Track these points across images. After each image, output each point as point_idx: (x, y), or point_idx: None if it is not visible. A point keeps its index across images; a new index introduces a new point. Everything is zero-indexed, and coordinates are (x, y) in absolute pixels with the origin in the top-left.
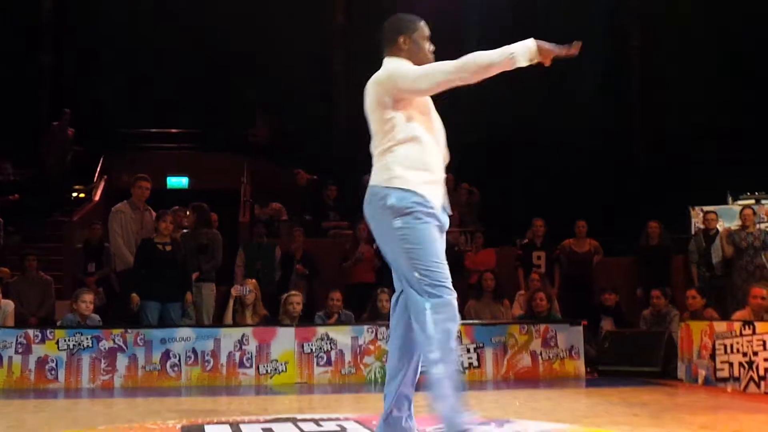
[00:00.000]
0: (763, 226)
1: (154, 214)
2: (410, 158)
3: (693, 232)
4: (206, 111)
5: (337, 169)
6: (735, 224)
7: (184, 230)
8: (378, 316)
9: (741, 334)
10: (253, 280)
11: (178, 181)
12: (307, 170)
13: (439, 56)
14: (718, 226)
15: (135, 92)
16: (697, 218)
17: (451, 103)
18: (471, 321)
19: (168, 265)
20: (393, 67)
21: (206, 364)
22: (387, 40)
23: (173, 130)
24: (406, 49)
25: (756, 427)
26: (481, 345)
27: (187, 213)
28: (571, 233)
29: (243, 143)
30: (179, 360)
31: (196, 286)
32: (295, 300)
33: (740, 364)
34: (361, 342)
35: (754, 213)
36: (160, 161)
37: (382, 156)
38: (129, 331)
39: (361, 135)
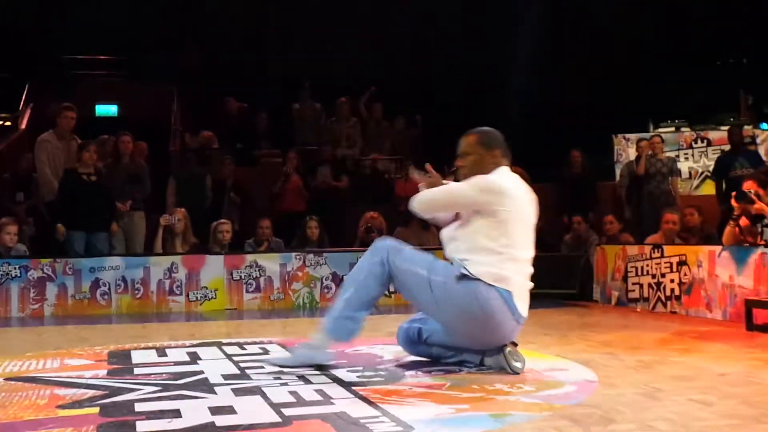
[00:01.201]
0: (682, 153)
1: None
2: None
3: (615, 159)
4: (136, 37)
5: (269, 98)
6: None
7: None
8: (306, 243)
9: (651, 257)
10: (183, 209)
11: (107, 109)
12: (239, 98)
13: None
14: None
15: (61, 17)
16: (619, 145)
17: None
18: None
19: (93, 195)
20: (474, 184)
21: (136, 292)
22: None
23: (102, 57)
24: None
25: (653, 344)
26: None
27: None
28: None
29: (173, 70)
30: (109, 288)
31: (128, 215)
32: (225, 228)
33: (649, 285)
34: (289, 269)
35: (662, 140)
36: (88, 89)
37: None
38: (58, 260)
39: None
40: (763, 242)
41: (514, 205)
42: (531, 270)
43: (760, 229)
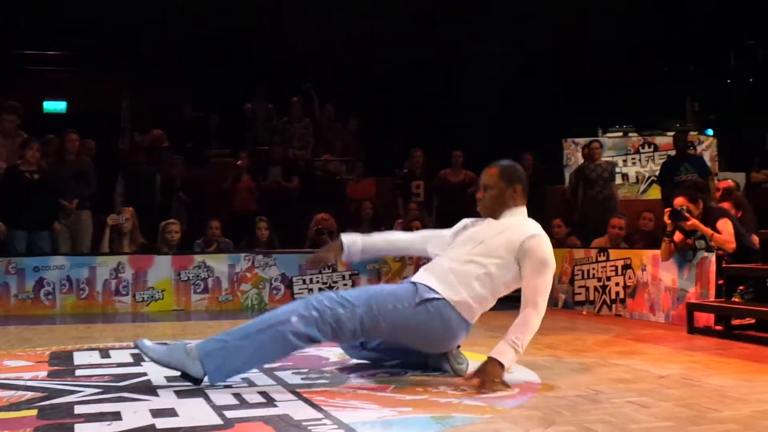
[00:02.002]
0: (629, 157)
1: None
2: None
3: (564, 163)
4: (85, 33)
5: (220, 97)
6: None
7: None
8: (256, 245)
9: (597, 261)
10: (131, 209)
11: (55, 106)
12: (192, 100)
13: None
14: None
15: (9, 12)
16: (569, 149)
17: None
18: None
19: (35, 193)
20: (549, 269)
21: (81, 292)
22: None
23: (50, 53)
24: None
25: (596, 346)
26: (356, 272)
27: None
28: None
29: (123, 67)
30: (53, 288)
31: (74, 214)
32: (174, 228)
33: (595, 288)
34: (238, 270)
35: (602, 146)
36: (35, 85)
37: (475, 281)
38: (0, 259)
39: (248, 60)
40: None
41: None
42: None
43: (693, 242)
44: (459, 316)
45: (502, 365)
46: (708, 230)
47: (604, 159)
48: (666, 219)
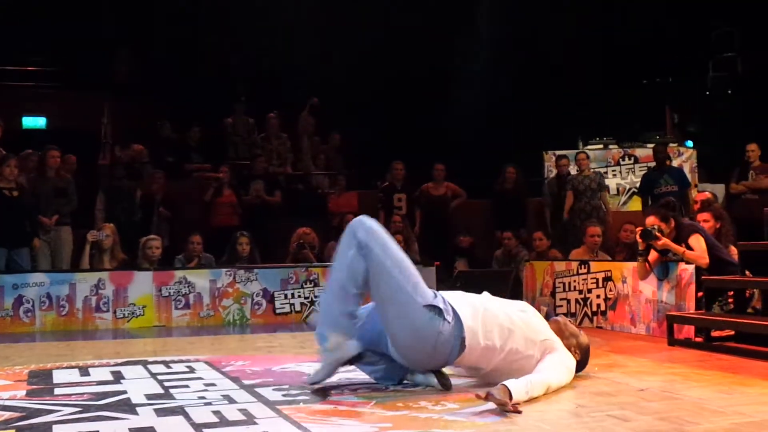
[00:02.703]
0: (610, 169)
1: None
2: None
3: (545, 176)
4: (65, 48)
5: (201, 111)
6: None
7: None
8: (237, 259)
9: (578, 273)
10: (111, 225)
11: (35, 121)
12: (171, 113)
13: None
14: (570, 170)
15: None
16: (550, 162)
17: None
18: (329, 263)
19: (13, 210)
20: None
21: (61, 309)
22: None
23: (30, 68)
24: None
25: None
26: None
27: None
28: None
29: (104, 82)
30: (33, 305)
31: (54, 230)
32: (154, 244)
33: (576, 300)
34: (219, 285)
35: (588, 158)
36: (15, 100)
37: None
38: None
39: (228, 77)
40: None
41: None
42: None
43: (667, 260)
44: (454, 341)
45: (509, 392)
46: (679, 248)
47: (592, 170)
48: (637, 238)
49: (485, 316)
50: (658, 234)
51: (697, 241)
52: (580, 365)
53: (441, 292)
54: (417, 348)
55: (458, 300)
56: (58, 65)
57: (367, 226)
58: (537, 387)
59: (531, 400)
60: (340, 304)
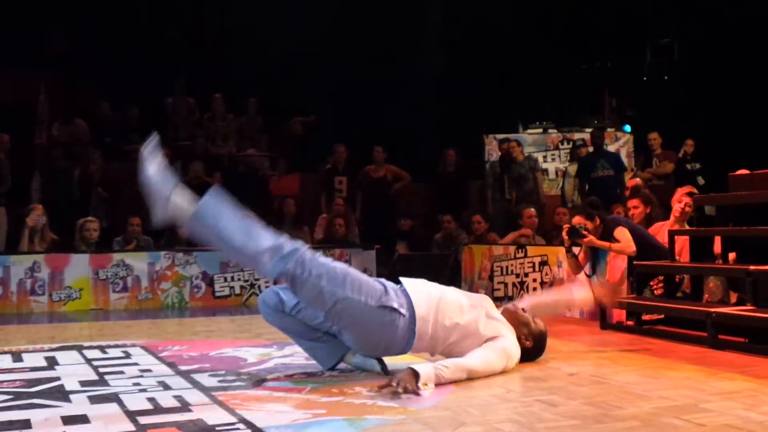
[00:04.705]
0: (549, 153)
1: None
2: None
3: (486, 159)
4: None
5: (141, 91)
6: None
7: None
8: (176, 242)
9: (515, 257)
10: (40, 205)
11: None
12: (109, 91)
13: None
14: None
15: None
16: (490, 145)
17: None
18: None
19: None
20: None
21: None
22: None
23: None
24: None
25: None
26: None
27: None
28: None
29: (40, 58)
30: None
31: None
32: (92, 226)
33: (513, 284)
34: (158, 268)
35: (519, 144)
36: None
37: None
38: None
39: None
40: None
41: None
42: None
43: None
44: (409, 333)
45: (417, 375)
46: (604, 244)
47: (525, 154)
48: (564, 235)
49: (439, 306)
50: (584, 232)
51: (622, 233)
52: (534, 352)
53: (404, 279)
54: (372, 344)
55: (417, 288)
56: None
57: (299, 258)
58: (455, 371)
59: (462, 384)
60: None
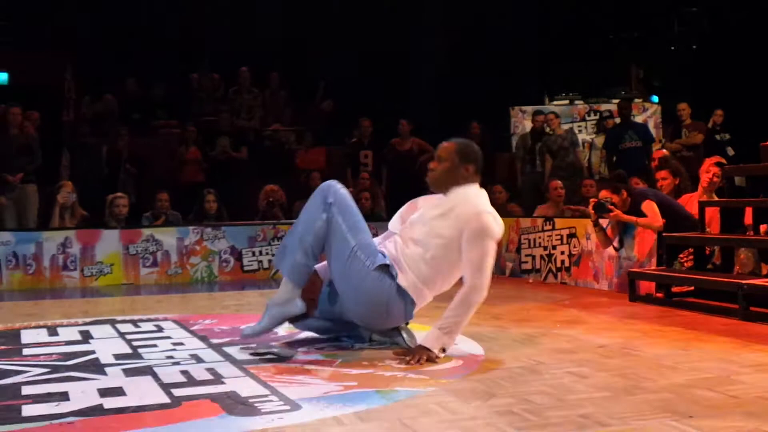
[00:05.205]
0: (575, 125)
1: None
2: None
3: (511, 131)
4: (25, 3)
5: (166, 67)
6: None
7: None
8: (204, 217)
9: (543, 230)
10: (69, 182)
11: None
12: (136, 71)
13: None
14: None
15: None
16: (516, 117)
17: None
18: (296, 220)
19: None
20: (487, 239)
21: (28, 267)
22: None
23: None
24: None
25: (540, 316)
26: None
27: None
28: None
29: (67, 37)
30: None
31: (19, 188)
32: (121, 202)
33: (541, 257)
34: (186, 242)
35: (557, 116)
36: None
37: (422, 263)
38: None
39: (193, 32)
40: None
41: None
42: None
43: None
44: (405, 298)
45: (428, 349)
46: (631, 218)
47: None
48: (590, 210)
49: (408, 261)
50: (610, 207)
51: (649, 207)
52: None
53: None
54: (371, 310)
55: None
56: (18, 21)
57: (336, 192)
58: (455, 317)
59: (492, 356)
60: (302, 255)
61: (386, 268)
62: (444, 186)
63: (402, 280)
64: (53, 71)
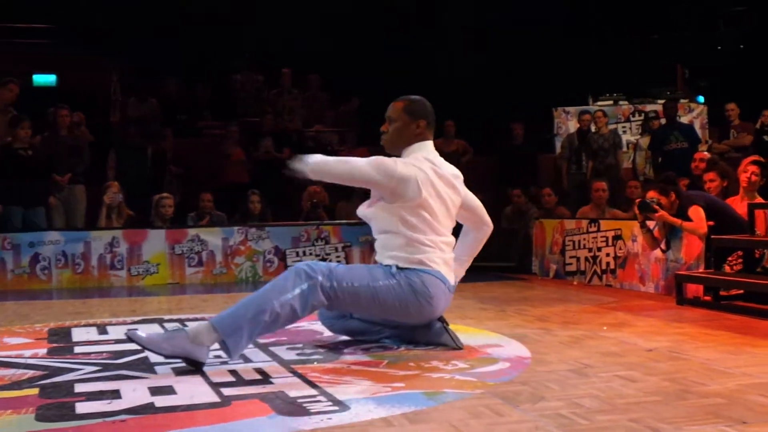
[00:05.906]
0: (620, 126)
1: None
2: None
3: (555, 132)
4: (75, 5)
5: (210, 69)
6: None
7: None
8: (248, 217)
9: (587, 231)
10: (116, 182)
11: (45, 79)
12: (180, 72)
13: None
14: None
15: None
16: (559, 118)
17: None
18: (339, 221)
19: (29, 170)
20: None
21: (77, 266)
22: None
23: (38, 25)
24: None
25: (586, 319)
26: (348, 244)
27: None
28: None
29: (113, 40)
30: (49, 263)
31: (68, 189)
32: (167, 203)
33: (586, 258)
34: (231, 243)
35: (605, 115)
36: (24, 58)
37: (392, 236)
38: None
39: (236, 34)
40: None
41: (415, 191)
42: (449, 243)
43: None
44: (415, 275)
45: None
46: (676, 221)
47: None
48: (635, 210)
49: (383, 245)
50: (656, 207)
51: (696, 212)
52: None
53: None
54: (405, 314)
55: (380, 256)
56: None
57: (319, 268)
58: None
59: (539, 359)
60: (254, 323)
61: (387, 268)
62: (397, 146)
63: (396, 262)
64: (100, 73)
